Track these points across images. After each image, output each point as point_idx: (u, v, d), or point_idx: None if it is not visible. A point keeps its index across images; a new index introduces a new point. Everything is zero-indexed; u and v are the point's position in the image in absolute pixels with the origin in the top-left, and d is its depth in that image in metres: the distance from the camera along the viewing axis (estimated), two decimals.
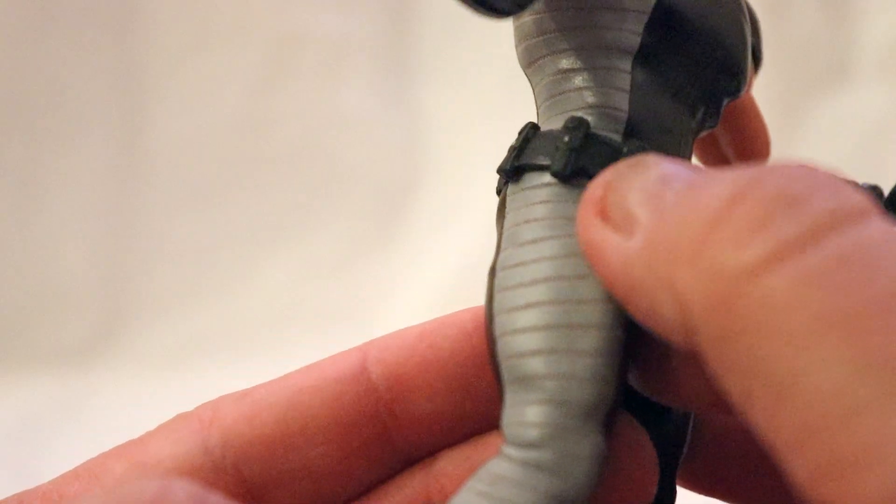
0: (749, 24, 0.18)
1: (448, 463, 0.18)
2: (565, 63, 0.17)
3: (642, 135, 0.17)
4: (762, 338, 0.11)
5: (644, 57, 0.17)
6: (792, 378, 0.11)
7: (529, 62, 0.18)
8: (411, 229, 0.65)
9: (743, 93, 0.18)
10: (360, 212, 0.66)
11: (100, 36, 0.66)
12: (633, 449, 0.16)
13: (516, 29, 0.18)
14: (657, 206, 0.14)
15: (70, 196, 0.65)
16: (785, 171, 0.13)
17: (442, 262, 0.61)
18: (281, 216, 0.66)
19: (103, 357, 0.61)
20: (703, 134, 0.19)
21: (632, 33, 0.17)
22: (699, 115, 0.18)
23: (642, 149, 0.16)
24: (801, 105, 0.60)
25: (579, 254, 0.15)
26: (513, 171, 0.17)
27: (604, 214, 0.14)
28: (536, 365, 0.15)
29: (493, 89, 0.63)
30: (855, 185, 0.13)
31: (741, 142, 0.21)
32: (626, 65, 0.17)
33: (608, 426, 0.15)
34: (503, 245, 0.16)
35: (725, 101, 0.18)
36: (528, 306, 0.15)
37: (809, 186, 0.12)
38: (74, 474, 0.18)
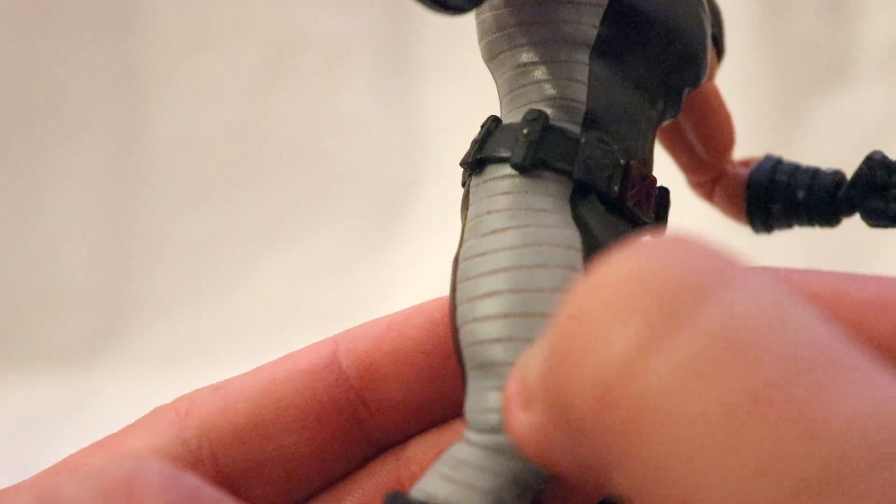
0: (708, 14, 0.19)
1: (418, 449, 0.19)
2: (525, 57, 0.17)
3: (601, 125, 0.17)
4: (648, 445, 0.10)
5: (602, 49, 0.17)
6: (689, 489, 0.10)
7: (491, 57, 0.18)
8: (411, 229, 0.65)
9: (703, 82, 0.19)
10: (360, 212, 0.66)
11: (100, 36, 0.66)
12: None
13: (478, 25, 0.18)
14: (538, 358, 0.13)
15: (70, 196, 0.65)
16: (634, 250, 0.12)
17: (442, 262, 0.61)
18: (281, 216, 0.66)
19: (103, 357, 0.61)
20: (666, 123, 0.19)
21: (589, 26, 0.17)
22: (659, 104, 0.18)
23: (600, 139, 0.17)
24: (801, 105, 0.60)
25: (539, 244, 0.16)
26: (475, 163, 0.17)
27: (518, 404, 0.14)
28: (496, 352, 0.15)
29: (493, 89, 0.63)
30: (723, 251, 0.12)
31: (706, 130, 0.22)
32: (584, 57, 0.17)
33: None
34: (466, 236, 0.17)
35: (686, 91, 0.18)
36: (488, 295, 0.15)
37: (660, 258, 0.11)
38: (54, 469, 0.18)
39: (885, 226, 0.21)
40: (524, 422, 0.13)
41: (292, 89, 0.67)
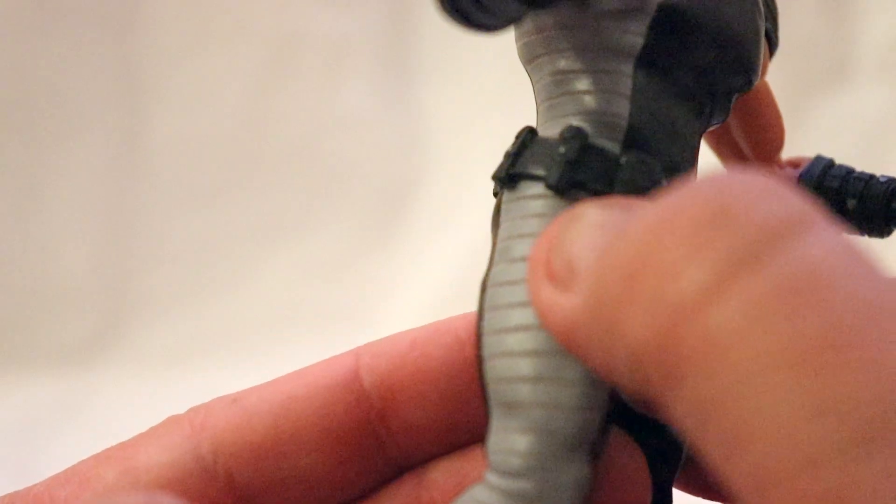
0: (761, 9, 0.18)
1: (439, 473, 0.18)
2: (564, 63, 0.16)
3: (643, 142, 0.16)
4: (709, 380, 0.10)
5: (647, 59, 0.16)
6: (744, 425, 0.10)
7: (529, 59, 0.17)
8: (411, 229, 0.65)
9: (754, 85, 0.18)
10: (360, 212, 0.66)
11: (100, 36, 0.66)
12: (625, 469, 0.16)
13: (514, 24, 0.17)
14: (593, 253, 0.13)
15: (70, 196, 0.65)
16: (714, 184, 0.12)
17: (442, 262, 0.61)
18: (281, 216, 0.66)
19: (103, 357, 0.61)
20: (712, 128, 0.18)
21: (634, 34, 0.16)
22: (706, 111, 0.17)
23: (641, 161, 0.15)
24: (801, 105, 0.60)
25: None
26: (507, 178, 0.16)
27: (550, 274, 0.14)
28: (523, 392, 0.15)
29: (493, 89, 0.63)
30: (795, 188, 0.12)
31: (753, 130, 0.21)
32: (628, 67, 0.16)
33: (595, 452, 0.15)
34: (496, 259, 0.16)
35: (735, 97, 0.17)
36: (517, 329, 0.15)
37: (741, 197, 0.11)
38: (65, 478, 0.17)
39: None
40: (558, 302, 0.13)
41: (292, 89, 0.67)
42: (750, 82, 0.17)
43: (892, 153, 0.59)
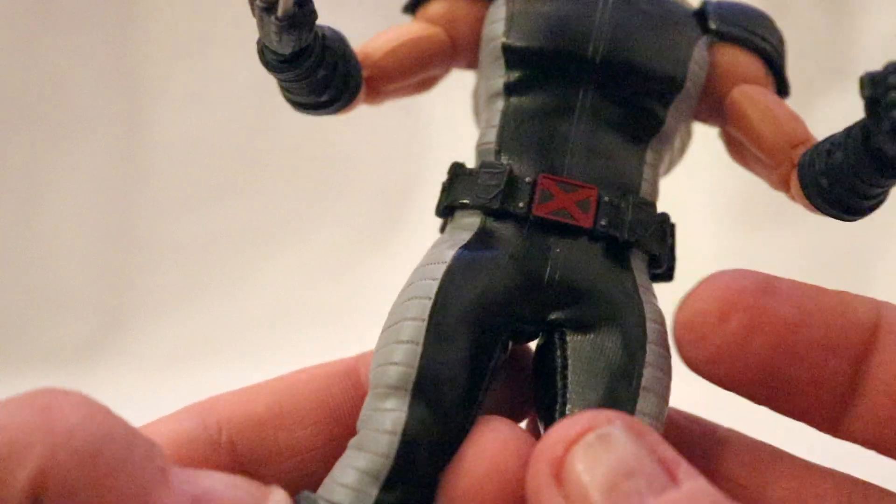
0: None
1: None
2: (479, 112, 0.24)
3: (510, 153, 0.21)
4: None
5: (509, 92, 0.21)
6: None
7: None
8: (411, 229, 0.65)
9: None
10: (360, 212, 0.66)
11: (100, 36, 0.66)
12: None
13: None
14: None
15: (70, 196, 0.65)
16: None
17: None
18: (281, 216, 0.66)
19: (103, 357, 0.61)
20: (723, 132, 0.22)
21: (498, 77, 0.21)
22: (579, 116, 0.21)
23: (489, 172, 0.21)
24: (801, 105, 0.60)
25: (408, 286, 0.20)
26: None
27: (559, 479, 0.14)
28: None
29: None
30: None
31: (748, 135, 0.21)
32: (501, 103, 0.21)
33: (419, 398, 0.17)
34: None
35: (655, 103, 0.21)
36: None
37: None
38: None
39: None
40: None
41: None
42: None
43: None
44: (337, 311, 0.61)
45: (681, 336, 0.17)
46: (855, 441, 0.18)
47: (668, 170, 0.24)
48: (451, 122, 0.68)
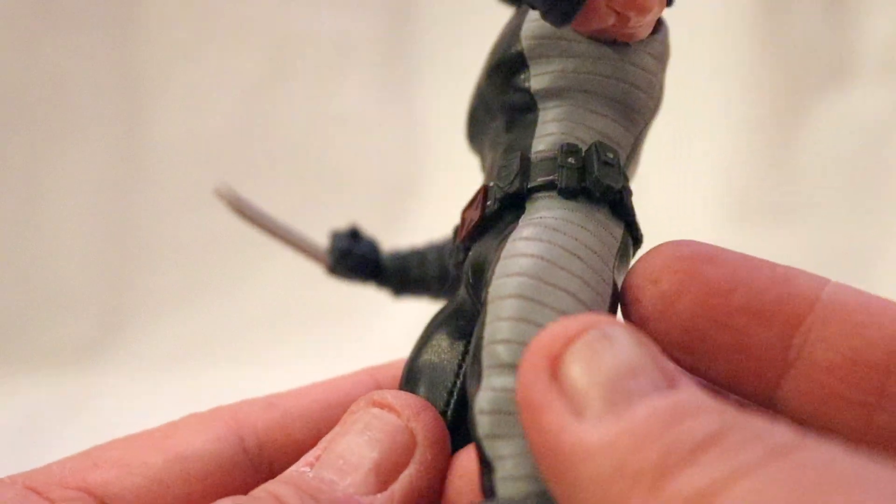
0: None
1: (463, 458, 0.20)
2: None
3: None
4: None
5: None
6: None
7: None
8: (411, 229, 0.65)
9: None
10: (360, 212, 0.66)
11: (100, 36, 0.66)
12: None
13: None
14: (620, 407, 0.13)
15: (70, 196, 0.65)
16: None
17: None
18: (281, 216, 0.66)
19: (103, 357, 0.61)
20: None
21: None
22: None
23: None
24: (801, 105, 0.60)
25: None
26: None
27: (554, 374, 0.14)
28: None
29: None
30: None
31: None
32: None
33: None
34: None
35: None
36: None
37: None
38: (91, 461, 0.19)
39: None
40: (563, 419, 0.14)
41: (292, 89, 0.67)
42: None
43: (892, 153, 0.59)
44: (337, 311, 0.61)
45: (623, 297, 0.18)
46: (791, 417, 0.18)
47: None
48: (451, 121, 0.68)
